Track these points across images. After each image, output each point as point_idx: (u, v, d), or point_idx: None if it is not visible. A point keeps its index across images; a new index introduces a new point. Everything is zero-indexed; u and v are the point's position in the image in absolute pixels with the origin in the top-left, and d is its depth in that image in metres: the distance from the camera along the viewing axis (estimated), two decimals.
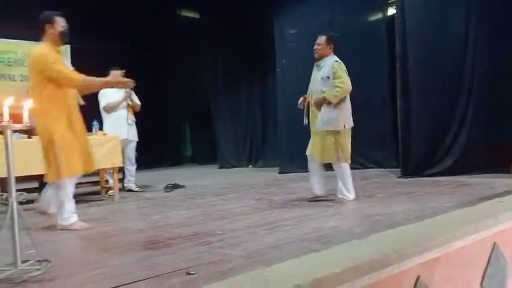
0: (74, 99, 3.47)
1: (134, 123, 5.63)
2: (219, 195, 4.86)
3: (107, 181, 5.38)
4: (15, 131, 3.13)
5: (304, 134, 6.65)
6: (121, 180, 5.48)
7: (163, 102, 9.04)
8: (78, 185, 5.48)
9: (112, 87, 4.89)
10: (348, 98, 4.02)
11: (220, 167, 8.57)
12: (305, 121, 4.15)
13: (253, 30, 7.73)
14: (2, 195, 2.09)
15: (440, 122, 5.42)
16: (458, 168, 5.17)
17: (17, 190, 2.22)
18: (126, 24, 8.15)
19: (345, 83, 3.85)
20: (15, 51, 7.62)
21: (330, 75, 3.88)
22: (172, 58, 8.89)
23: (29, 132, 4.24)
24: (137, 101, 5.64)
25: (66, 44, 3.58)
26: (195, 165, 9.64)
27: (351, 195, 3.95)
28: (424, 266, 2.23)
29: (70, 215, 3.27)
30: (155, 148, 8.59)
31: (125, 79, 3.90)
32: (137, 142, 5.71)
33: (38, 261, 2.23)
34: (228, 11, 7.98)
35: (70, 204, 3.28)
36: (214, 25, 8.44)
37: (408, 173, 5.40)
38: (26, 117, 2.30)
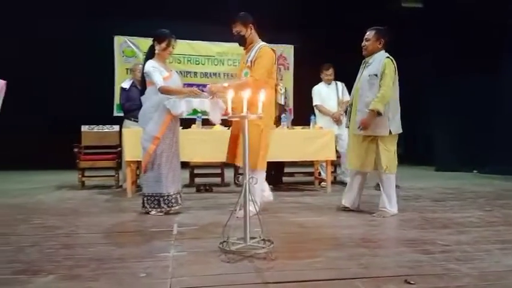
0: None
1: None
2: (437, 201, 4.39)
3: (319, 173, 5.60)
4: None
5: None
6: (333, 173, 5.60)
7: None
8: (295, 174, 5.99)
9: None
10: (395, 98, 3.59)
11: (437, 170, 7.79)
12: (347, 123, 3.83)
13: (485, 14, 6.65)
14: (238, 177, 2.36)
15: None
16: None
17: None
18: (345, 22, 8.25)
19: (386, 88, 3.44)
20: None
21: (378, 73, 3.49)
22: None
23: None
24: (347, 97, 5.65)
25: None
26: (407, 166, 9.05)
27: (394, 209, 3.58)
28: None
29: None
30: None
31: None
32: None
33: (263, 240, 2.45)
34: None
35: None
36: (439, 12, 7.65)
37: None
38: (260, 108, 2.53)
